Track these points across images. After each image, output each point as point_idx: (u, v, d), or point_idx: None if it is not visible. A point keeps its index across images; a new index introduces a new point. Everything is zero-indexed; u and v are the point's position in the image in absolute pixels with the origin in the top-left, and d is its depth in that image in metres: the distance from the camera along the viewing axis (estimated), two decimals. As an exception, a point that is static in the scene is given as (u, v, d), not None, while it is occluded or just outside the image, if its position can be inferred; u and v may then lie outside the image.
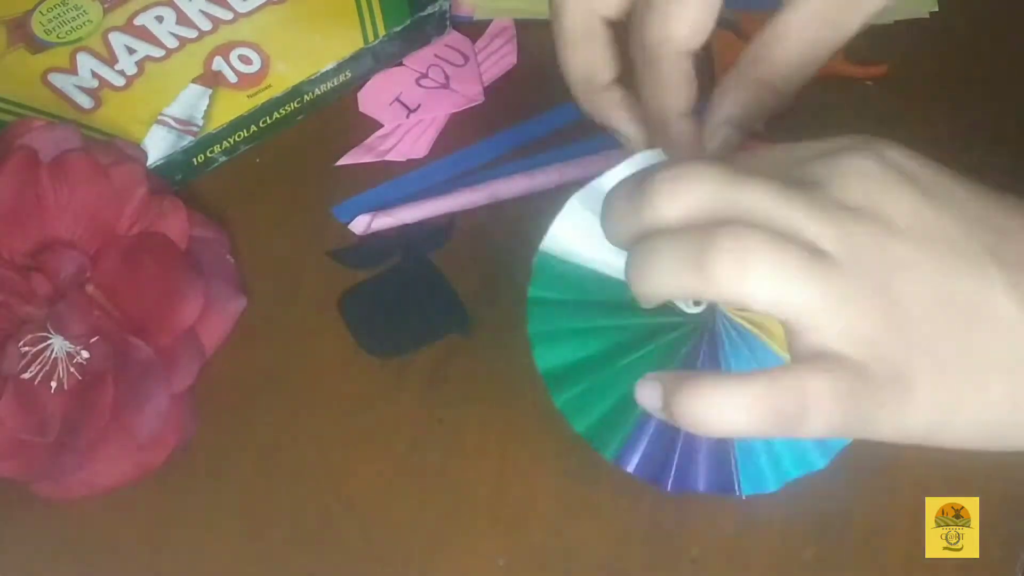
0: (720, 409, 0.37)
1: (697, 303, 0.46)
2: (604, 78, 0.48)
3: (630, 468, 0.48)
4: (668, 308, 0.46)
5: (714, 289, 0.37)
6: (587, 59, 0.48)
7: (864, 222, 0.37)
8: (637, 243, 0.38)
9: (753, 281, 0.36)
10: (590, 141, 0.59)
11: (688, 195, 0.37)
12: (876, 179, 0.38)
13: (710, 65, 0.63)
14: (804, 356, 0.37)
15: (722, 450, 0.47)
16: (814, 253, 0.36)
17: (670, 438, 0.48)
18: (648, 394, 0.39)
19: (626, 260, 0.39)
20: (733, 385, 0.37)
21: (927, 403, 0.37)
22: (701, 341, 0.46)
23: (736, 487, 0.48)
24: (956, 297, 0.37)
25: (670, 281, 0.37)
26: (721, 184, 0.37)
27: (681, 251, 0.37)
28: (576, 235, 0.46)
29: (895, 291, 0.37)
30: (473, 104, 0.62)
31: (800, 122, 0.46)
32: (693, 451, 0.48)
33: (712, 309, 0.46)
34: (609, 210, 0.40)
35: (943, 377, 0.37)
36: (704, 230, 0.37)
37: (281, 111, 0.61)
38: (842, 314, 0.36)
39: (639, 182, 0.38)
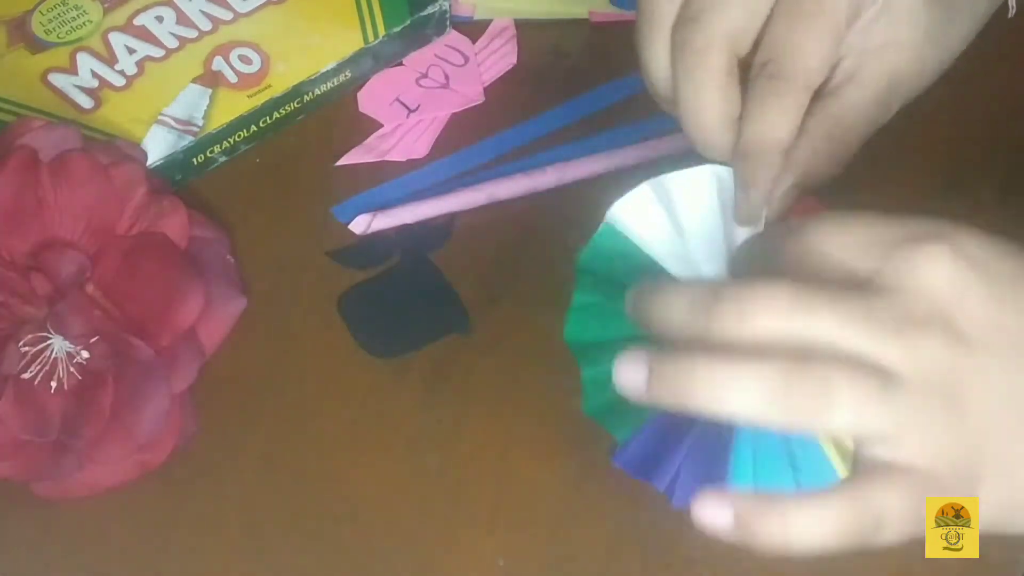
0: (804, 531, 0.38)
1: None
2: (738, 114, 0.48)
3: (631, 471, 0.48)
4: None
5: (794, 421, 0.37)
6: (730, 98, 0.47)
7: (933, 336, 0.37)
8: (712, 365, 0.38)
9: (834, 416, 0.37)
10: (589, 140, 0.59)
11: (758, 320, 0.37)
12: (947, 287, 0.38)
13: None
14: (873, 466, 0.38)
15: (719, 475, 0.46)
16: (886, 380, 0.37)
17: (675, 450, 0.47)
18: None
19: (695, 374, 0.38)
20: (815, 507, 0.38)
21: (993, 499, 0.39)
22: None
23: None
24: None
25: (749, 410, 0.37)
26: (791, 311, 0.37)
27: (764, 383, 0.37)
28: (639, 219, 0.46)
29: (964, 399, 0.37)
30: (473, 104, 0.62)
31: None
32: (698, 469, 0.47)
33: None
34: (664, 306, 0.40)
35: (1009, 475, 0.39)
36: (786, 368, 0.37)
37: (281, 111, 0.61)
38: (914, 431, 0.37)
39: (705, 294, 0.38)
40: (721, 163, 0.46)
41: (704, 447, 0.46)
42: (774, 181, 0.46)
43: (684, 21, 0.46)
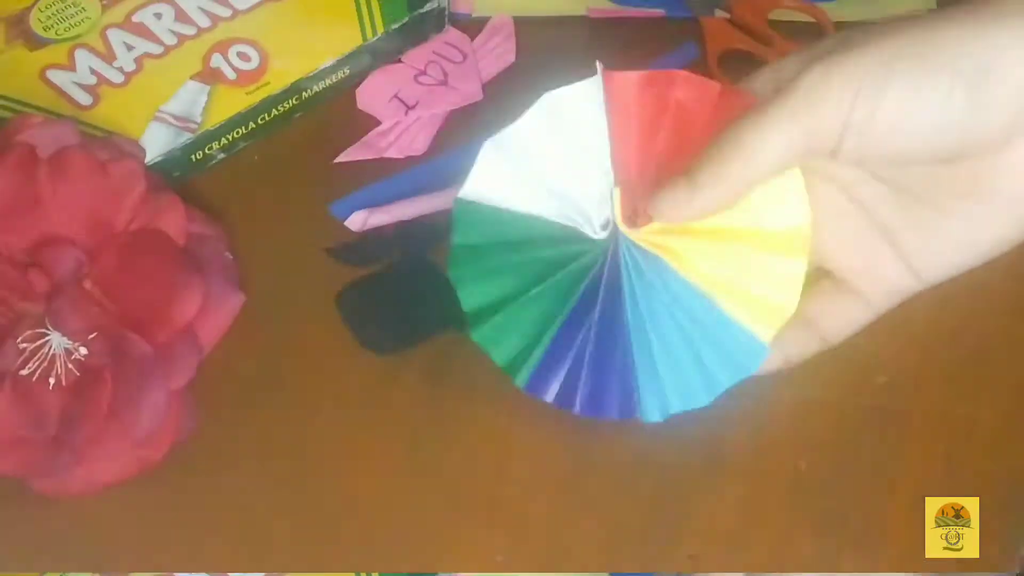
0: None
1: (603, 227, 0.47)
2: None
3: (544, 395, 0.49)
4: (575, 235, 0.48)
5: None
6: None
7: None
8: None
9: None
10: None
11: None
12: None
13: (702, 49, 0.63)
14: None
15: (626, 378, 0.48)
16: None
17: (579, 362, 0.49)
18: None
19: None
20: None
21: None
22: (604, 266, 0.48)
23: (636, 412, 0.49)
24: None
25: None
26: None
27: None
28: (492, 180, 0.48)
29: None
30: (472, 101, 0.62)
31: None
32: (603, 376, 0.49)
33: (615, 234, 0.47)
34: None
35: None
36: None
37: (279, 108, 0.61)
38: None
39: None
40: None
41: (602, 353, 0.48)
42: None
43: None
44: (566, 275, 0.48)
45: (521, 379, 0.49)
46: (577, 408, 0.49)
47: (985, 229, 0.42)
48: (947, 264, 0.44)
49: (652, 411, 0.48)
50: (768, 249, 0.46)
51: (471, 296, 0.49)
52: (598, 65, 0.48)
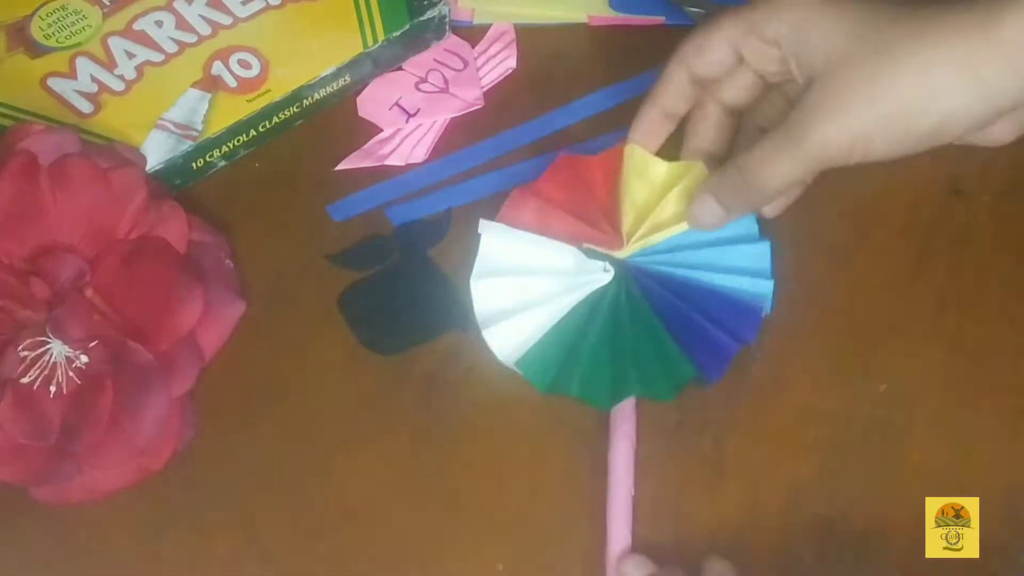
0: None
1: (605, 270, 0.54)
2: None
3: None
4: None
5: None
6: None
7: None
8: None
9: None
10: (588, 143, 0.59)
11: None
12: None
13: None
14: None
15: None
16: None
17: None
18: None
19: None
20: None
21: None
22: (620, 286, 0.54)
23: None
24: None
25: None
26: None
27: None
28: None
29: None
30: (472, 108, 0.62)
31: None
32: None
33: (618, 265, 0.55)
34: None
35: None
36: None
37: (280, 115, 0.61)
38: None
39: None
40: None
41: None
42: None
43: None
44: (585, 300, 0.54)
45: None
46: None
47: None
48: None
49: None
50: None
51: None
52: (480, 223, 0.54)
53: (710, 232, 0.54)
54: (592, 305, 0.54)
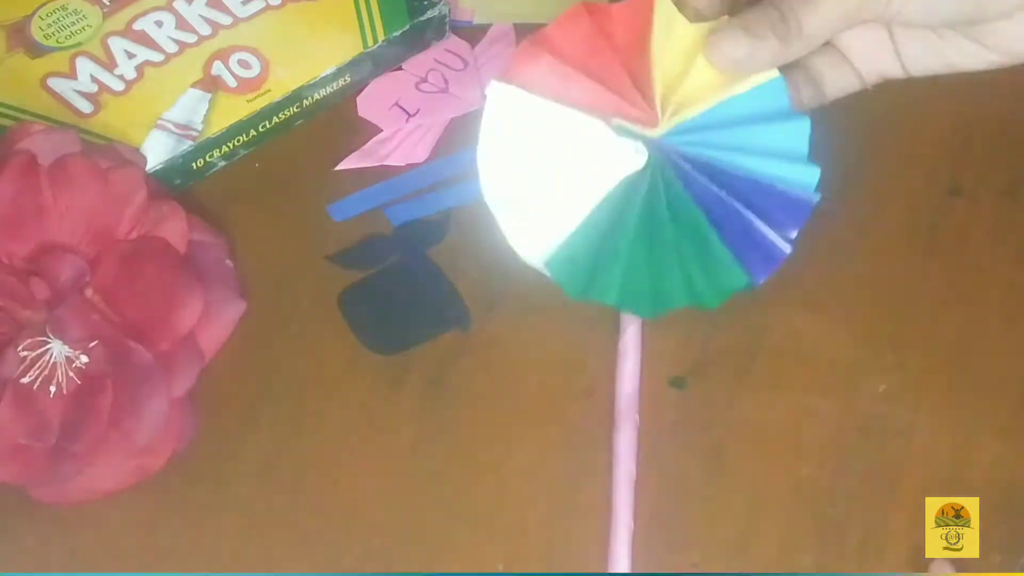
0: None
1: (639, 151, 0.48)
2: None
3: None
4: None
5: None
6: None
7: None
8: None
9: None
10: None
11: None
12: None
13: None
14: None
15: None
16: None
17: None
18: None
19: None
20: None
21: None
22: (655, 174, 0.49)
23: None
24: None
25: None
26: None
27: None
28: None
29: None
30: (473, 109, 0.62)
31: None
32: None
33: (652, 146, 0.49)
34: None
35: None
36: None
37: (280, 115, 0.61)
38: None
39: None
40: None
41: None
42: None
43: None
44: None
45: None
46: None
47: (968, 61, 0.51)
48: (931, 70, 0.52)
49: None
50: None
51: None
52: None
53: (741, 107, 0.48)
54: (626, 195, 0.49)
